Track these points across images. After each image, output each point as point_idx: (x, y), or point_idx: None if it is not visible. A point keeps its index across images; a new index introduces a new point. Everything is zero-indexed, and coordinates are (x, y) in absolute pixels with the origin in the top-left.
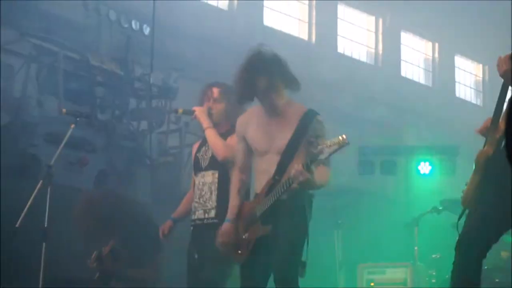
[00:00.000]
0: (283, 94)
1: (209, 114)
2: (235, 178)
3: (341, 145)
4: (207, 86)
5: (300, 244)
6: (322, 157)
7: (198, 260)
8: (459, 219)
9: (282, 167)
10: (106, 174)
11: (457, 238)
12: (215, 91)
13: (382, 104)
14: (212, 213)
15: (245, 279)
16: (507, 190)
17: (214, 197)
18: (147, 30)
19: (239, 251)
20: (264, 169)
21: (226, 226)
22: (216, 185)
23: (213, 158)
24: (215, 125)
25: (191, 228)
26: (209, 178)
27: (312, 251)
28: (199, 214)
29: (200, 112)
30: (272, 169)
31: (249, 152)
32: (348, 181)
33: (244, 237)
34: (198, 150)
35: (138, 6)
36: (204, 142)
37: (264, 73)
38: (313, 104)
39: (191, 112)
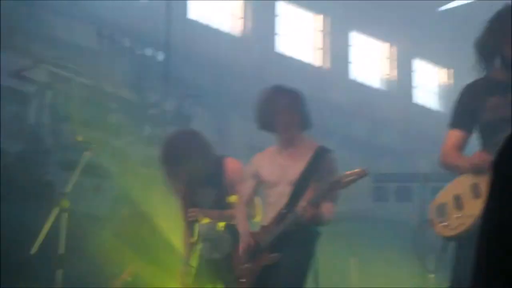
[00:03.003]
0: (298, 129)
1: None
2: (241, 210)
3: (360, 175)
4: None
5: (305, 274)
6: (340, 186)
7: None
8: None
9: (294, 198)
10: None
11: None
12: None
13: (395, 130)
14: None
15: None
16: None
17: None
18: (160, 57)
19: (243, 280)
20: (275, 201)
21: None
22: None
23: None
24: None
25: None
26: None
27: (326, 278)
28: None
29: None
30: (282, 200)
31: (257, 189)
32: (362, 209)
33: (249, 265)
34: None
35: (152, 33)
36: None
37: (284, 109)
38: (326, 130)
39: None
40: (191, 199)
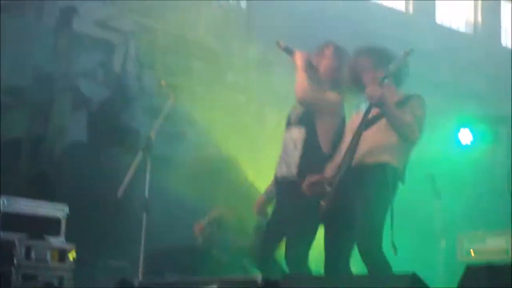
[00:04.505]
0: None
1: (311, 66)
2: None
3: (407, 54)
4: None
5: (382, 212)
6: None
7: (278, 216)
8: None
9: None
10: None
11: None
12: (328, 47)
13: (482, 74)
14: (294, 170)
15: (329, 248)
16: None
17: (297, 153)
18: (243, 5)
19: (323, 203)
20: None
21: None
22: (302, 142)
23: (302, 114)
24: (317, 82)
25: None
26: (296, 134)
27: (410, 220)
28: (281, 170)
29: (299, 55)
30: None
31: None
32: (442, 149)
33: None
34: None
35: None
36: None
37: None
38: (413, 76)
39: (291, 52)
40: None
